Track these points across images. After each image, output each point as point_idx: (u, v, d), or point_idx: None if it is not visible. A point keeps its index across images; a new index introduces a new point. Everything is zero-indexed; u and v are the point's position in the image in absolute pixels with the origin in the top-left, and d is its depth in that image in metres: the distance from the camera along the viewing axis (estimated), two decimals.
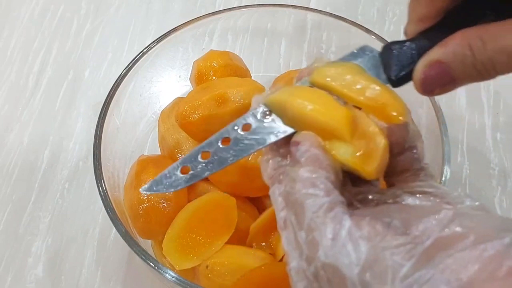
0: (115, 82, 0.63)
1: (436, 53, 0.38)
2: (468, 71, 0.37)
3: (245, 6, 0.76)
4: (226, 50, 0.69)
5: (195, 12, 0.90)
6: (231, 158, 0.38)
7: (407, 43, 0.41)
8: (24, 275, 0.67)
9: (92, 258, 0.68)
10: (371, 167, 0.37)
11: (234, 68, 0.67)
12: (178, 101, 0.67)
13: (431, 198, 0.37)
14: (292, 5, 0.72)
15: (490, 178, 0.73)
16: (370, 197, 0.38)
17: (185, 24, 0.69)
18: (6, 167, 0.76)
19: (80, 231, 0.70)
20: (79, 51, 0.87)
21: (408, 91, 0.41)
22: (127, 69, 0.64)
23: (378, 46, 0.65)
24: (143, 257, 0.52)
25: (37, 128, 0.79)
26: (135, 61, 0.65)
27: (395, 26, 0.87)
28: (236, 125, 0.39)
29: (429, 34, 0.41)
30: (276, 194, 0.38)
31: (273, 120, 0.39)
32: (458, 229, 0.32)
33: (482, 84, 0.80)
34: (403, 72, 0.40)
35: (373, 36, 0.66)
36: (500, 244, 0.30)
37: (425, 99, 0.59)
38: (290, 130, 0.39)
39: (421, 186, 0.38)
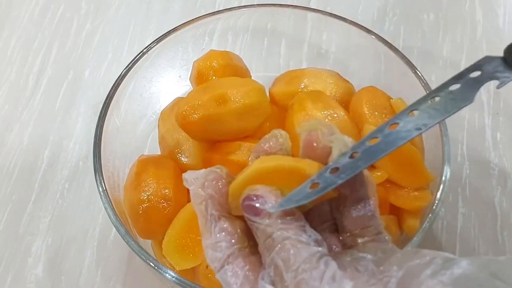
0: (115, 82, 0.63)
1: None
2: None
3: (245, 6, 0.76)
4: (226, 50, 0.69)
5: (195, 12, 0.90)
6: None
7: None
8: (24, 275, 0.67)
9: (92, 258, 0.68)
10: None
11: (234, 68, 0.67)
12: (178, 101, 0.67)
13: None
14: (292, 5, 0.72)
15: (490, 178, 0.73)
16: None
17: (185, 24, 0.69)
18: (6, 167, 0.76)
19: (80, 231, 0.70)
20: (79, 51, 0.87)
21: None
22: (127, 69, 0.64)
23: (379, 47, 0.66)
24: (143, 257, 0.52)
25: (37, 128, 0.79)
26: (135, 61, 0.65)
27: (395, 26, 0.87)
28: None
29: None
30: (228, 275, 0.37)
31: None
32: (426, 258, 0.33)
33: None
34: None
35: (373, 36, 0.66)
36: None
37: None
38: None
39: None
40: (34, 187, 0.74)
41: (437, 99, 0.40)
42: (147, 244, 0.63)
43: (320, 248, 0.35)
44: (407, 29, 0.86)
